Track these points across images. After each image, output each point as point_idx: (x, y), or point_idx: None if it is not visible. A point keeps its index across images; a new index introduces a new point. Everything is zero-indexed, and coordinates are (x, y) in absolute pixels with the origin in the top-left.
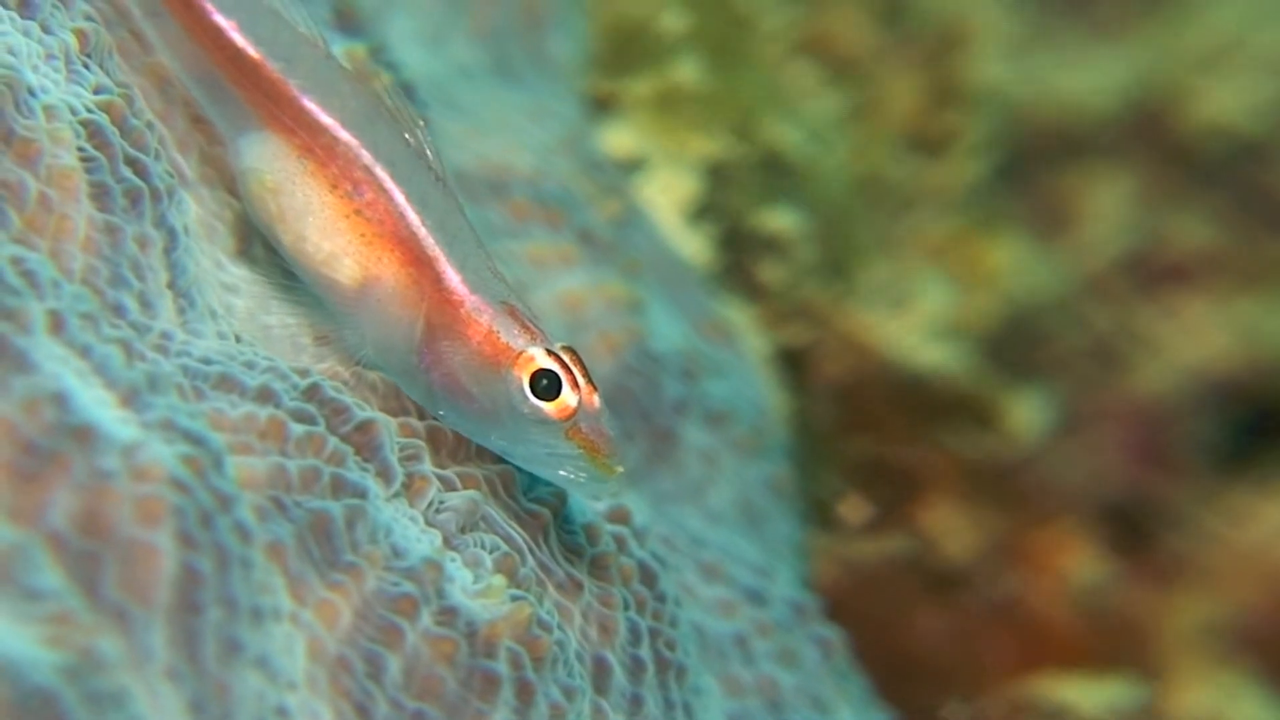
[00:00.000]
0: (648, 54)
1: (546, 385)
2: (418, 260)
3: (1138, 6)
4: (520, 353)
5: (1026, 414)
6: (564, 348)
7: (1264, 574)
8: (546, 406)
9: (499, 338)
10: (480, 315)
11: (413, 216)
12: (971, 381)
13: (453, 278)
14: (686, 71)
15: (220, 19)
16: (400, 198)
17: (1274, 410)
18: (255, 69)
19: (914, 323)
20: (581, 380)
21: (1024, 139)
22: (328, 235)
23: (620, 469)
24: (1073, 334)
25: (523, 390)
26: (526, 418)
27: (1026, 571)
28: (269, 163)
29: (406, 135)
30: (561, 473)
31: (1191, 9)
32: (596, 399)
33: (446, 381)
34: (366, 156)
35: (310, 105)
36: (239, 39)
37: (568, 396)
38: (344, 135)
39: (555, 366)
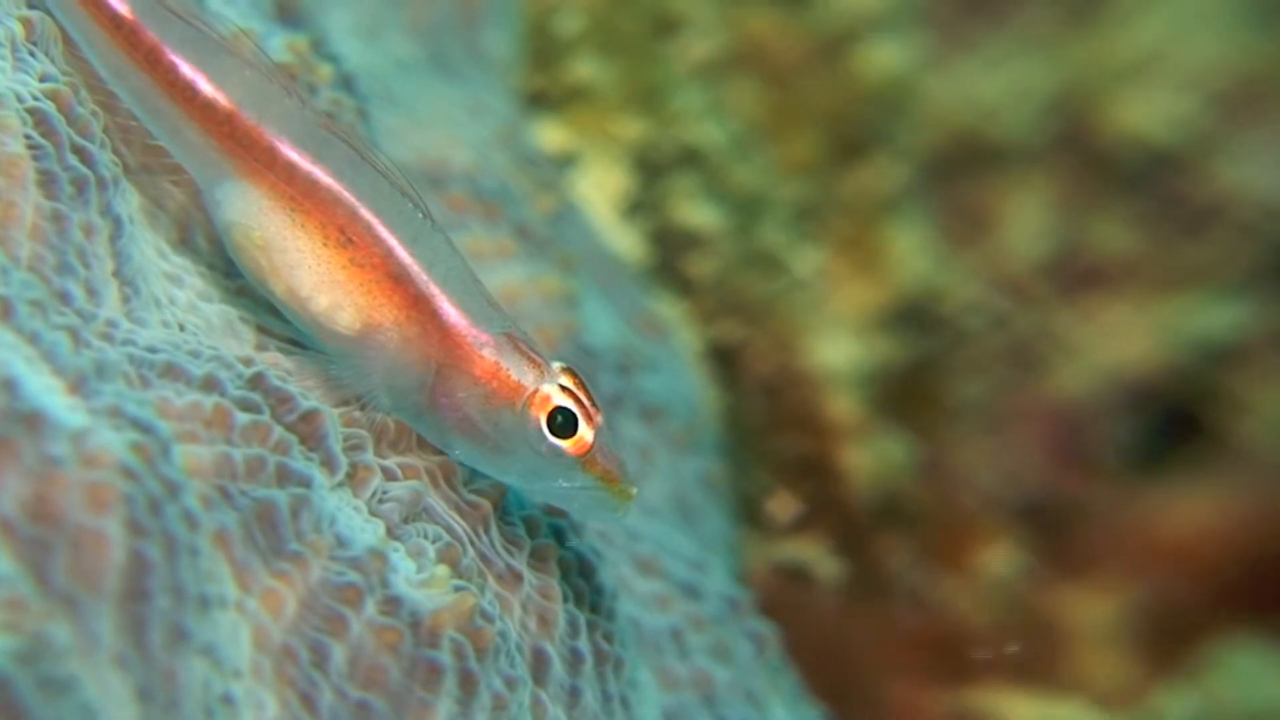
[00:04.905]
0: (554, 50)
1: (563, 423)
2: (417, 302)
3: (1059, 16)
4: (534, 391)
5: (891, 453)
6: (564, 370)
7: (1174, 569)
8: (565, 444)
9: (509, 374)
10: (485, 350)
11: (407, 259)
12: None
13: (453, 316)
14: (586, 69)
15: (188, 71)
16: (393, 242)
17: (1187, 412)
18: (229, 119)
19: (826, 323)
20: (591, 409)
21: (944, 145)
22: (324, 288)
23: (634, 491)
24: (992, 336)
25: (541, 431)
26: (544, 456)
27: (946, 569)
28: (255, 217)
29: (385, 171)
30: (577, 504)
31: (1113, 21)
32: (600, 418)
33: (458, 420)
34: (354, 203)
35: (291, 155)
36: (209, 89)
37: (584, 433)
38: (330, 183)
39: (570, 403)
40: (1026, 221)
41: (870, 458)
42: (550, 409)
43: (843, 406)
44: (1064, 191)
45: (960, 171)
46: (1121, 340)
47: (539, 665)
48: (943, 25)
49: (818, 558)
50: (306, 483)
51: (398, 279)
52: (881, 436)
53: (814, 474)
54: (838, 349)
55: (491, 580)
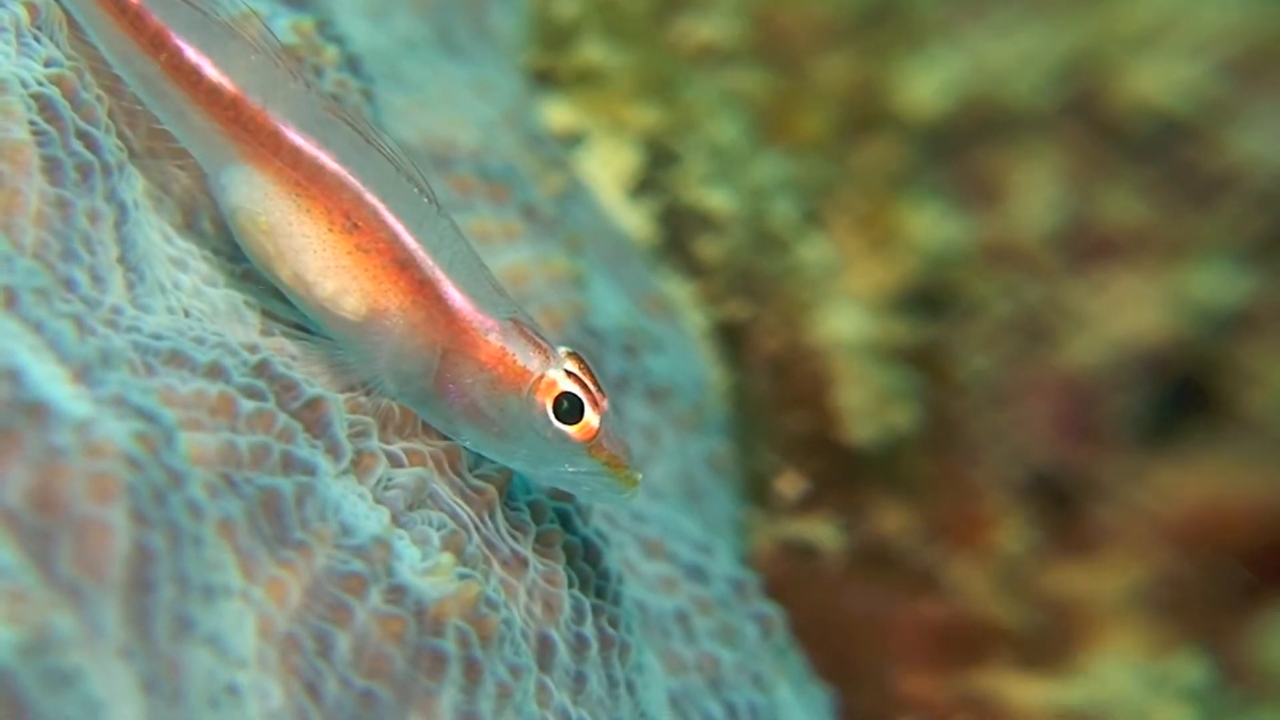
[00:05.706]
0: (561, 33)
1: (568, 408)
2: (422, 288)
3: None
4: (540, 376)
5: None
6: (570, 355)
7: (1186, 544)
8: (571, 430)
9: (514, 360)
10: (490, 335)
11: (413, 245)
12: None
13: (459, 301)
14: (595, 52)
15: (194, 56)
16: (399, 227)
17: (1198, 383)
18: (235, 103)
19: (834, 296)
20: (597, 393)
21: (955, 114)
22: (329, 274)
23: (640, 476)
24: (1002, 307)
25: (546, 416)
26: (550, 441)
27: (955, 546)
28: (261, 202)
29: (391, 156)
30: (583, 489)
31: None
32: (606, 403)
33: (464, 406)
34: (360, 189)
35: (297, 140)
36: (214, 74)
37: (590, 418)
38: (335, 168)
39: (576, 388)
40: (1036, 192)
41: (877, 430)
42: (556, 394)
43: (852, 379)
44: (1074, 161)
45: (970, 141)
46: (1131, 311)
47: (544, 651)
48: None
49: (826, 536)
50: (311, 470)
51: (403, 264)
52: (889, 409)
53: (822, 450)
54: (846, 321)
55: (496, 566)
